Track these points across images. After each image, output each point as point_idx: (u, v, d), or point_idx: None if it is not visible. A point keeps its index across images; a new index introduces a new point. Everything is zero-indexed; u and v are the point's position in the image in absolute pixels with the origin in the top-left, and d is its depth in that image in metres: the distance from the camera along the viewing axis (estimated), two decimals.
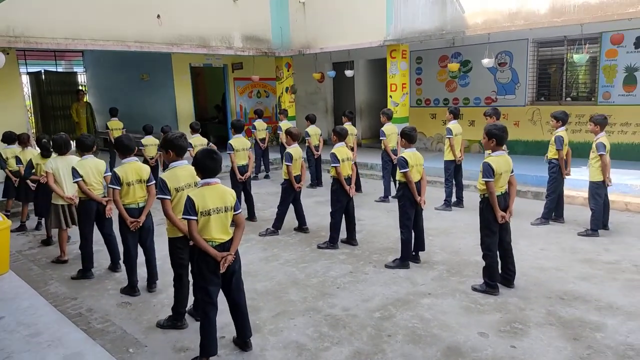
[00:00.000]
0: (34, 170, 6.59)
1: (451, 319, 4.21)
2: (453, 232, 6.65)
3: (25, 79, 15.61)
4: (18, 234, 7.31)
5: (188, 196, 3.45)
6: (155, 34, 10.27)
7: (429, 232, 6.57)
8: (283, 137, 7.99)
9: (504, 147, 4.83)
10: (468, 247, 6.01)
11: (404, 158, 5.34)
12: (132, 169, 4.79)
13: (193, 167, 4.15)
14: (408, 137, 5.51)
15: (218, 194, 3.51)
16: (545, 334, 3.92)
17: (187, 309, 4.28)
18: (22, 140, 7.22)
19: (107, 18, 9.46)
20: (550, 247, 5.96)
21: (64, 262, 5.98)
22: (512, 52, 10.99)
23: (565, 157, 6.71)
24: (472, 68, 11.68)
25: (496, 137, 4.57)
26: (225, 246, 3.54)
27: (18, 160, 7.04)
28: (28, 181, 6.85)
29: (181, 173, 4.07)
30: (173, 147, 4.01)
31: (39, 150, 6.87)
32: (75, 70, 17.39)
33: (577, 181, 8.03)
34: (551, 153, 6.75)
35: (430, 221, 7.10)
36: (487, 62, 9.70)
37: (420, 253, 5.64)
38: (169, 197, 3.97)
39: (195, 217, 3.40)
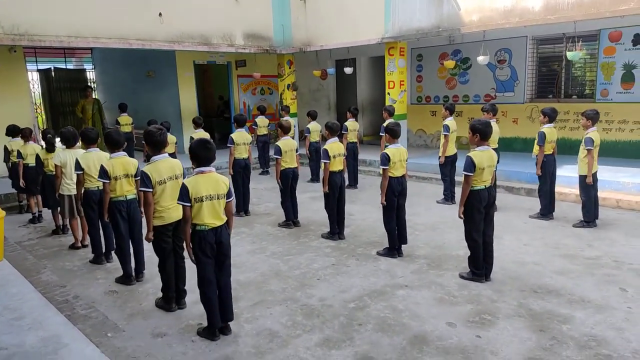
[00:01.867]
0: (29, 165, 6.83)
1: (423, 309, 4.32)
2: (440, 228, 6.74)
3: (35, 76, 16.03)
4: (20, 225, 7.57)
5: (183, 183, 3.70)
6: (157, 31, 10.47)
7: (417, 227, 6.68)
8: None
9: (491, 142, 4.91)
10: (452, 242, 6.10)
11: (386, 154, 5.44)
12: (120, 163, 4.97)
13: (174, 160, 4.38)
14: (392, 132, 5.60)
15: (211, 182, 3.72)
16: (512, 325, 4.01)
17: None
18: (24, 134, 7.45)
19: (109, 16, 9.66)
20: (534, 243, 6.02)
21: (78, 248, 6.26)
22: (511, 50, 10.99)
23: (552, 153, 6.77)
24: (472, 65, 11.70)
25: (480, 132, 4.67)
26: (217, 230, 3.76)
27: (19, 155, 7.28)
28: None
29: (163, 166, 4.23)
30: (150, 142, 4.17)
31: (43, 145, 7.13)
32: (84, 67, 17.74)
33: (570, 178, 8.06)
34: (536, 149, 6.80)
35: (419, 216, 7.21)
36: (482, 59, 9.73)
37: (404, 247, 5.75)
38: (150, 190, 4.14)
39: (189, 204, 3.66)
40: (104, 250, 5.79)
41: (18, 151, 7.30)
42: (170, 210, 4.24)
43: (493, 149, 5.22)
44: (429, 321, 4.10)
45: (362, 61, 14.07)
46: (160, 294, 4.54)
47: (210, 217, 3.73)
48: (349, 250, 5.92)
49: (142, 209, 4.39)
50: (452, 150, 8.04)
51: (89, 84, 16.15)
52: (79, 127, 13.52)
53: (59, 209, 6.55)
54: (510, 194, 8.53)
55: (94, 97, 14.70)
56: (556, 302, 4.40)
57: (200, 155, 3.72)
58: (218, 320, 3.87)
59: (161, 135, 4.23)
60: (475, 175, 4.62)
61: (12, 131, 7.76)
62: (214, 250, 3.80)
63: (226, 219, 3.87)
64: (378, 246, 5.99)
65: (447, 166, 8.01)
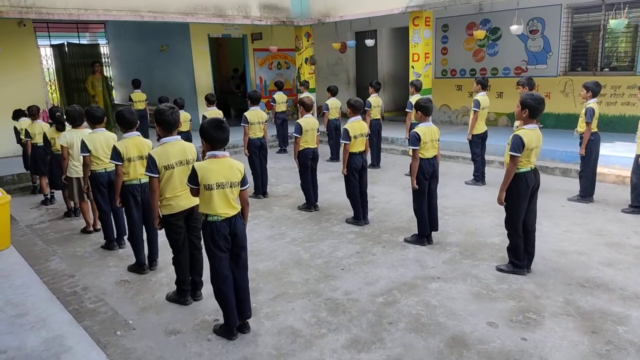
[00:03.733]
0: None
1: (459, 306, 3.93)
2: (471, 211, 6.29)
3: (49, 51, 15.74)
4: (32, 207, 7.35)
5: (193, 167, 3.37)
6: (170, 3, 10.01)
7: (446, 210, 6.26)
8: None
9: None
10: (485, 228, 5.67)
11: (417, 134, 4.97)
12: (133, 144, 4.62)
13: (187, 143, 4.00)
14: (424, 109, 5.11)
15: (224, 168, 3.36)
16: (560, 325, 3.61)
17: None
18: (31, 112, 7.16)
19: None
20: (575, 229, 5.55)
21: (90, 232, 6.01)
22: (544, 19, 10.27)
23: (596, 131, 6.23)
24: (502, 36, 11.01)
25: (530, 108, 4.15)
26: (231, 221, 3.42)
27: (27, 134, 6.99)
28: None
29: (172, 149, 3.85)
30: (160, 122, 3.79)
31: (50, 124, 6.82)
32: (98, 42, 17.37)
33: (609, 157, 7.52)
34: (581, 127, 6.25)
35: (448, 199, 6.77)
36: (515, 29, 9.07)
37: (434, 234, 5.34)
38: (156, 175, 3.79)
39: (196, 187, 3.36)
40: (115, 235, 5.51)
41: (26, 130, 7.01)
42: (179, 198, 3.88)
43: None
44: (467, 320, 3.72)
45: (384, 33, 13.42)
46: (174, 287, 4.23)
47: (223, 206, 3.38)
48: (374, 237, 5.54)
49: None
50: (482, 127, 7.52)
51: (101, 59, 15.76)
52: (89, 104, 13.29)
53: (67, 191, 6.27)
54: (544, 174, 7.96)
55: (103, 73, 14.33)
56: (607, 299, 3.97)
57: (213, 137, 3.33)
58: (235, 318, 3.54)
59: (173, 114, 3.83)
60: (522, 156, 4.16)
61: (17, 114, 7.46)
62: (228, 242, 3.45)
63: (240, 208, 3.50)
64: (405, 232, 5.59)
65: (478, 145, 7.50)
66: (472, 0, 9.09)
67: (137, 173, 4.64)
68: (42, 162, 6.98)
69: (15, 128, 7.80)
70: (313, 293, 4.25)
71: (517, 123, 6.39)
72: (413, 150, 4.99)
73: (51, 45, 15.34)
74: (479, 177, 7.55)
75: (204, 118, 7.96)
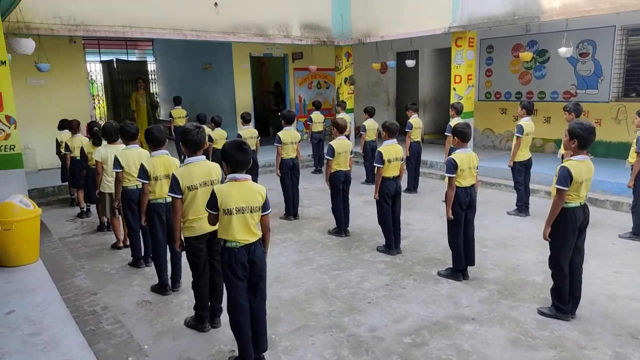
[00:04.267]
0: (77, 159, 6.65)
1: (494, 353, 3.60)
2: (512, 245, 5.90)
3: (98, 67, 16.37)
4: (68, 219, 7.47)
5: (212, 191, 3.24)
6: (212, 22, 10.15)
7: (485, 243, 5.90)
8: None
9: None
10: (528, 264, 5.28)
11: (453, 160, 4.70)
12: (161, 162, 4.57)
13: (212, 164, 3.89)
14: (461, 135, 4.81)
15: (245, 191, 3.22)
16: None
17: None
18: (72, 126, 7.32)
19: (164, 6, 9.44)
20: (627, 270, 5.08)
21: (120, 248, 6.02)
22: (595, 41, 9.77)
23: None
24: (550, 58, 10.55)
25: (579, 138, 3.82)
26: (250, 248, 3.26)
27: (66, 147, 7.14)
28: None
29: (196, 170, 3.76)
30: (185, 142, 3.71)
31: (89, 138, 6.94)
32: (146, 59, 17.93)
33: None
34: (632, 157, 5.80)
35: (487, 230, 6.40)
36: (564, 51, 8.64)
37: (470, 268, 5.00)
38: (178, 196, 3.69)
39: (215, 212, 3.22)
40: (143, 253, 5.46)
41: (65, 143, 7.17)
42: (202, 221, 3.75)
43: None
44: None
45: (426, 53, 13.17)
46: (193, 311, 4.10)
47: (242, 232, 3.23)
48: (406, 268, 5.25)
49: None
50: (525, 155, 7.12)
51: (146, 76, 16.23)
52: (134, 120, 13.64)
53: (99, 206, 6.32)
54: (593, 206, 7.45)
55: (147, 89, 14.70)
56: None
57: (234, 159, 3.20)
58: (250, 352, 3.35)
59: (198, 134, 3.74)
60: (571, 190, 3.82)
61: (62, 124, 7.67)
62: (246, 270, 3.29)
63: (260, 234, 3.34)
64: (439, 264, 5.28)
65: (521, 173, 7.10)
66: (519, 22, 8.74)
67: (163, 192, 4.58)
68: (79, 175, 7.10)
69: (56, 140, 8.01)
70: (336, 327, 4.01)
71: (561, 151, 6.04)
72: (449, 178, 4.72)
73: (101, 61, 15.96)
74: (522, 208, 7.13)
75: (238, 136, 7.99)
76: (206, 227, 3.82)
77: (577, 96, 10.12)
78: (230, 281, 3.29)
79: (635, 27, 9.31)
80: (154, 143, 4.58)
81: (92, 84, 17.40)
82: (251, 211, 3.24)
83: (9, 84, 5.08)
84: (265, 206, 3.32)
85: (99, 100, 16.98)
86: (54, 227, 6.92)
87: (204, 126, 9.15)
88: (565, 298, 4.04)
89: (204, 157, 3.87)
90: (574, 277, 4.09)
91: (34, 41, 8.31)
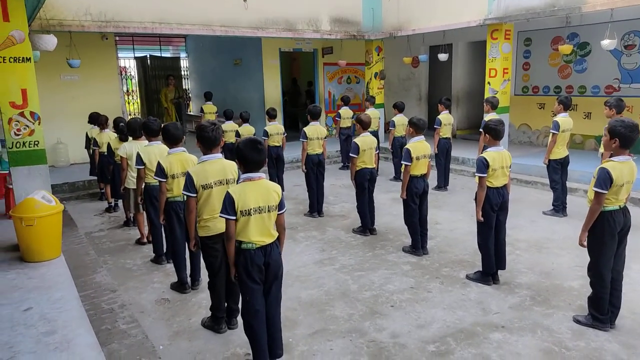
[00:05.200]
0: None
1: None
2: (547, 247, 5.58)
3: (132, 63, 16.63)
4: (96, 214, 7.55)
5: (227, 192, 3.09)
6: (241, 18, 10.08)
7: (518, 244, 5.60)
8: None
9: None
10: (563, 268, 4.96)
11: (485, 159, 4.43)
12: (178, 160, 4.49)
13: (228, 162, 3.78)
14: (493, 132, 4.53)
15: (261, 191, 3.09)
16: None
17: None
18: (100, 122, 7.38)
19: (194, 2, 9.43)
20: None
21: (144, 244, 6.02)
22: None
23: None
24: (592, 51, 10.01)
25: (621, 137, 3.51)
26: (267, 250, 3.13)
27: (95, 142, 7.21)
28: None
29: (211, 168, 3.65)
30: (201, 139, 3.60)
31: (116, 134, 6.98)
32: (179, 55, 18.10)
33: None
34: None
35: (521, 231, 6.09)
36: (607, 43, 8.14)
37: (502, 272, 4.74)
38: (193, 195, 3.60)
39: (234, 217, 3.04)
40: (165, 250, 5.42)
41: (94, 139, 7.23)
42: (217, 220, 3.63)
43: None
44: None
45: (459, 47, 12.75)
46: (197, 316, 4.01)
47: (259, 233, 3.10)
48: (432, 270, 5.02)
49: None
50: (562, 152, 6.73)
51: (178, 72, 16.36)
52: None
53: (125, 202, 6.34)
54: (634, 207, 7.02)
55: (176, 85, 14.79)
56: None
57: (248, 158, 3.07)
58: (265, 357, 3.22)
59: (214, 131, 3.63)
60: (610, 193, 3.52)
61: (93, 118, 7.76)
62: (262, 273, 3.15)
63: (277, 235, 3.20)
64: (468, 267, 5.02)
65: (557, 171, 6.72)
66: (558, 13, 8.30)
67: (181, 190, 4.48)
68: (107, 170, 7.16)
69: (86, 134, 8.12)
70: (356, 332, 3.84)
71: (601, 150, 5.66)
72: (479, 177, 4.46)
73: (135, 58, 16.21)
74: (559, 207, 6.75)
75: (264, 133, 7.89)
76: (221, 227, 3.67)
77: (620, 91, 9.57)
78: (245, 284, 3.16)
79: None
80: (170, 140, 4.50)
81: (129, 80, 17.75)
82: (268, 210, 3.11)
83: (34, 80, 5.07)
84: (281, 205, 3.18)
85: (132, 95, 17.24)
86: (81, 221, 7.00)
87: (231, 121, 9.31)
88: (604, 308, 3.74)
89: (220, 154, 3.76)
90: (614, 284, 3.79)
91: (66, 37, 8.46)
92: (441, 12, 10.13)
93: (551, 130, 6.63)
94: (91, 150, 7.85)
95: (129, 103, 17.10)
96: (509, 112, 10.00)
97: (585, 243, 3.71)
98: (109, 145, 6.59)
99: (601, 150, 5.98)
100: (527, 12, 8.64)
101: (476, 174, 4.48)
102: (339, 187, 8.83)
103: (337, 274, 4.98)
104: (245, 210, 3.04)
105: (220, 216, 3.12)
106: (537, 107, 11.22)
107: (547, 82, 10.97)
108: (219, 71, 15.41)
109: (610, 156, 3.65)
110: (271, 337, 3.26)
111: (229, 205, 3.04)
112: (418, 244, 5.42)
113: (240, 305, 3.86)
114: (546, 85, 11.01)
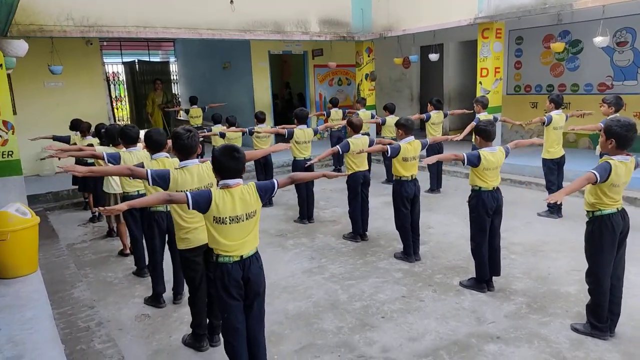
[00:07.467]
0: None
1: None
2: (543, 250, 5.41)
3: (121, 68, 16.40)
4: (80, 224, 7.32)
5: (210, 190, 2.91)
6: (229, 20, 9.88)
7: (512, 248, 5.44)
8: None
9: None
10: (560, 273, 4.80)
11: (480, 157, 4.25)
12: (161, 166, 4.29)
13: (202, 165, 3.56)
14: (484, 133, 4.38)
15: (240, 198, 2.90)
16: None
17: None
18: (82, 129, 7.18)
19: (179, 5, 9.23)
20: None
21: (127, 255, 5.81)
22: (634, 29, 9.07)
23: None
24: (584, 49, 9.88)
25: (617, 137, 3.35)
26: (245, 263, 2.96)
27: None
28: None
29: (190, 175, 3.44)
30: (176, 146, 3.42)
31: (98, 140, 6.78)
32: (169, 60, 17.88)
33: None
34: None
35: (515, 233, 5.92)
36: (600, 41, 8.01)
37: (496, 278, 4.57)
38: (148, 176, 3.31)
39: (188, 196, 2.86)
40: (147, 262, 5.21)
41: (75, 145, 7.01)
42: (197, 231, 3.46)
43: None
44: None
45: (450, 47, 12.63)
46: (178, 333, 3.81)
47: (236, 242, 2.91)
48: (425, 277, 4.84)
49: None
50: (558, 152, 6.63)
51: (166, 76, 16.16)
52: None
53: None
54: (632, 206, 6.88)
55: (163, 90, 14.57)
56: None
57: (224, 166, 2.89)
58: None
59: (189, 139, 3.44)
60: (607, 194, 3.37)
61: (74, 125, 7.55)
62: (241, 288, 2.96)
63: (257, 244, 3.02)
64: (462, 273, 4.85)
65: (553, 172, 6.58)
66: (550, 10, 8.17)
67: None
68: (90, 178, 6.93)
69: (68, 141, 7.88)
70: (345, 346, 3.65)
71: (599, 148, 5.51)
72: (467, 163, 4.26)
73: (122, 63, 15.99)
74: (554, 209, 6.60)
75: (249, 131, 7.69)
76: (202, 238, 3.50)
77: (613, 88, 9.45)
78: (222, 300, 2.96)
79: None
80: (152, 146, 4.30)
81: (120, 85, 17.51)
82: (247, 218, 2.92)
83: (6, 88, 4.89)
84: (262, 197, 2.98)
85: (120, 101, 17.01)
86: (64, 231, 6.79)
87: (219, 125, 9.10)
88: (603, 316, 3.58)
89: (197, 160, 3.57)
90: (613, 291, 3.62)
91: (48, 43, 8.25)
92: (431, 12, 9.98)
93: (545, 126, 6.56)
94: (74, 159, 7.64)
95: (118, 109, 16.88)
96: (502, 112, 9.85)
97: (585, 252, 3.54)
98: None
99: (599, 149, 5.85)
100: (518, 10, 8.50)
101: (466, 164, 4.28)
102: (329, 191, 8.64)
103: (327, 283, 4.80)
104: (219, 218, 2.85)
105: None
106: (529, 106, 11.08)
107: (540, 80, 10.84)
108: (208, 75, 15.19)
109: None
110: (254, 356, 3.07)
111: (200, 195, 2.85)
112: (410, 250, 5.25)
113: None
114: (538, 84, 10.89)
